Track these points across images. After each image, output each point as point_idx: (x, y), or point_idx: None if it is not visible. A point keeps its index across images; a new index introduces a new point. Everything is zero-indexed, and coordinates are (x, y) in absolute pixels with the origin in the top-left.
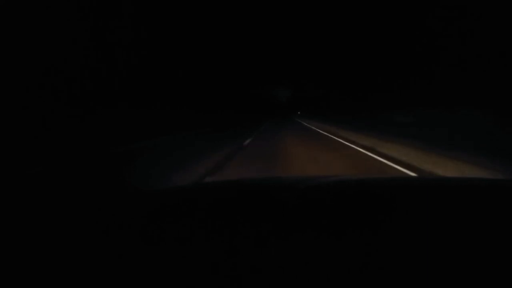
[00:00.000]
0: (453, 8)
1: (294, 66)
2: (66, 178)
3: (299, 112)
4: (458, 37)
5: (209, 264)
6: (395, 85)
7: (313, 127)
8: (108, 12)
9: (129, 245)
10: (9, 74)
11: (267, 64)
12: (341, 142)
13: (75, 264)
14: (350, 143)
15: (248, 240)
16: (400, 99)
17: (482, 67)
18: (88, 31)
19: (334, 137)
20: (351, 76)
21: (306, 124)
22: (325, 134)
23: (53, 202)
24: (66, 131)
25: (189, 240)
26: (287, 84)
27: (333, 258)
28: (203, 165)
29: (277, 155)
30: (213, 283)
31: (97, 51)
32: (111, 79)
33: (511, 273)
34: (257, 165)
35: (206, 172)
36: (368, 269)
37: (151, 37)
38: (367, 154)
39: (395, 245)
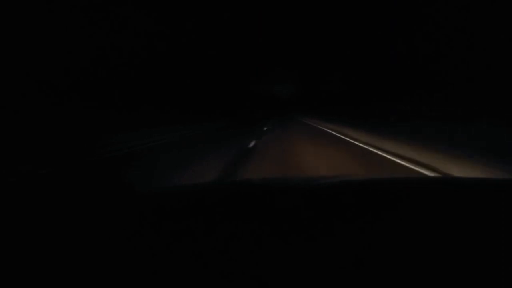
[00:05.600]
0: (458, 14)
1: (297, 61)
2: (70, 178)
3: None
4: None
5: (207, 265)
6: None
7: None
8: (108, 12)
9: (128, 245)
10: (13, 76)
11: (268, 58)
12: None
13: (74, 264)
14: None
15: (246, 242)
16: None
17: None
18: (92, 37)
19: None
20: (356, 72)
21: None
22: None
23: (54, 202)
24: (70, 132)
25: (187, 241)
26: (290, 79)
27: (333, 259)
28: None
29: None
30: (212, 284)
31: (102, 55)
32: (115, 81)
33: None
34: None
35: None
36: (369, 269)
37: (152, 40)
38: None
39: (397, 246)
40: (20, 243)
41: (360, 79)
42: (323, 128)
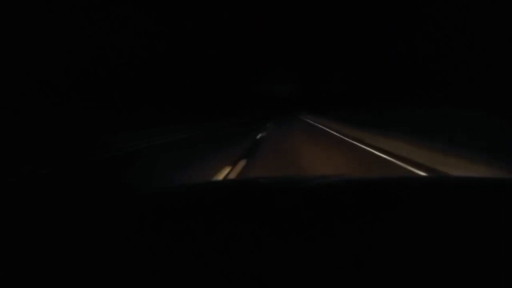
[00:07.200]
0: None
1: (297, 61)
2: (70, 178)
3: None
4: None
5: (207, 265)
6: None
7: None
8: (108, 12)
9: (128, 246)
10: (13, 76)
11: (268, 58)
12: None
13: (74, 264)
14: None
15: (246, 242)
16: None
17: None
18: (92, 37)
19: None
20: (356, 72)
21: None
22: None
23: (53, 202)
24: (70, 132)
25: (187, 241)
26: (290, 79)
27: (333, 259)
28: None
29: None
30: (212, 284)
31: (102, 55)
32: (115, 81)
33: None
34: None
35: None
36: (369, 269)
37: (152, 40)
38: None
39: (397, 246)
40: (20, 243)
41: (360, 79)
42: (323, 127)
